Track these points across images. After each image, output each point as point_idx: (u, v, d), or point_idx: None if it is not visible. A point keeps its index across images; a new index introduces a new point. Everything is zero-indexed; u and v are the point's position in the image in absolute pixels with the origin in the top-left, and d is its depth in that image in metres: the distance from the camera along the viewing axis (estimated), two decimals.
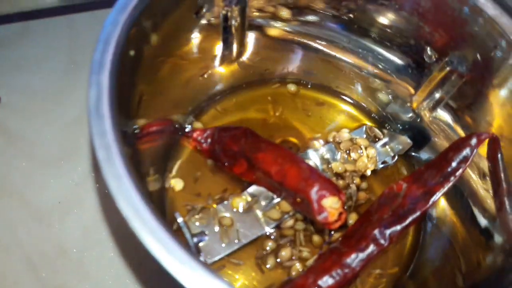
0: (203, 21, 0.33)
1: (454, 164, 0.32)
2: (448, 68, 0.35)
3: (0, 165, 0.46)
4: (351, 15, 0.37)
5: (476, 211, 0.34)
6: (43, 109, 0.49)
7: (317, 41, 0.41)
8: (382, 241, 0.31)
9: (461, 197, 0.36)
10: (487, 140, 0.33)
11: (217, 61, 0.39)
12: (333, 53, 0.41)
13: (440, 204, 0.38)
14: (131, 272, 0.42)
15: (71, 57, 0.53)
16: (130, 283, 0.42)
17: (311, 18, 0.39)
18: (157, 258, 0.18)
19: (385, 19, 0.36)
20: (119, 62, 0.23)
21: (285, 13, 0.37)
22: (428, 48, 0.35)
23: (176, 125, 0.38)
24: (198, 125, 0.40)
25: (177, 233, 0.35)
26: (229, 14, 0.34)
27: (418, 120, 0.40)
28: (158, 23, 0.28)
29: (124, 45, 0.24)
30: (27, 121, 0.48)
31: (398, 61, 0.38)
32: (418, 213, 0.32)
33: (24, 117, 0.49)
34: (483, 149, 0.33)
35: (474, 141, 0.32)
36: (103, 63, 0.22)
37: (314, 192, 0.30)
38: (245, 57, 0.41)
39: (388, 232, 0.31)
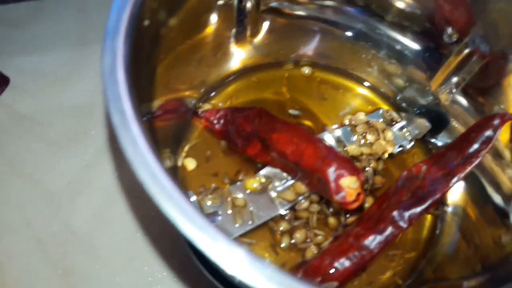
0: (219, 1, 0.32)
1: (476, 145, 0.31)
2: (469, 49, 0.34)
3: (9, 146, 0.46)
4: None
5: (490, 191, 0.34)
6: (53, 90, 0.49)
7: (333, 23, 0.40)
8: (401, 223, 0.30)
9: (474, 177, 0.35)
10: (510, 121, 0.31)
11: (231, 41, 0.38)
12: (349, 35, 0.39)
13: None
14: (142, 254, 0.41)
15: (81, 39, 0.52)
16: (139, 265, 0.41)
17: (328, 2, 0.38)
18: (174, 223, 0.18)
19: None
20: (133, 29, 0.22)
21: None
22: (448, 28, 0.34)
23: (188, 105, 0.37)
24: (209, 106, 0.39)
25: None
26: None
27: (436, 104, 0.39)
28: None
29: (139, 13, 0.23)
30: (37, 102, 0.48)
31: (415, 43, 0.37)
32: (438, 195, 0.31)
33: (33, 98, 0.48)
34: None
35: (497, 121, 0.31)
36: (117, 29, 0.22)
37: (331, 172, 0.30)
38: (259, 38, 0.40)
39: (407, 214, 0.30)
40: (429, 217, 0.37)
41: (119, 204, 0.43)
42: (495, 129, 0.31)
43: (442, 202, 0.37)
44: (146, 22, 0.24)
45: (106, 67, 0.20)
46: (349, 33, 0.40)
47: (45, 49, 0.51)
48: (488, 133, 0.31)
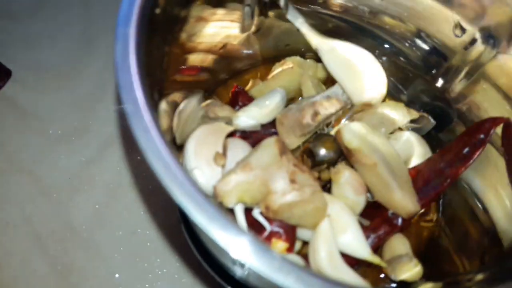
0: None
1: (468, 148, 0.32)
2: (478, 43, 0.34)
3: (9, 141, 0.45)
4: None
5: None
6: (55, 85, 0.48)
7: (342, 18, 0.39)
8: (395, 222, 0.31)
9: None
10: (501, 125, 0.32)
11: (237, 34, 0.38)
12: (356, 28, 0.39)
13: None
14: (142, 250, 0.41)
15: (83, 34, 0.52)
16: (139, 261, 0.41)
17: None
18: (187, 211, 0.17)
19: None
20: (145, 17, 0.22)
21: None
22: (457, 22, 0.34)
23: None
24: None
25: None
26: None
27: (441, 101, 0.39)
28: None
29: (151, 0, 0.23)
30: (38, 97, 0.48)
31: (423, 38, 0.37)
32: (432, 197, 0.31)
33: (35, 92, 0.48)
34: None
35: (488, 125, 0.32)
36: (129, 16, 0.21)
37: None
38: (265, 31, 0.39)
39: None
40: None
41: (119, 200, 0.43)
42: (487, 132, 0.31)
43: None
44: (157, 11, 0.24)
45: (118, 55, 0.20)
46: (357, 27, 0.40)
47: (47, 42, 0.50)
48: (481, 136, 0.32)
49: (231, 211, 0.30)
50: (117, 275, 0.40)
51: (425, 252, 0.34)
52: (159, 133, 0.19)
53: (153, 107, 0.20)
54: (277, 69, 0.39)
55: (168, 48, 0.28)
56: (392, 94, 0.41)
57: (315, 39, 0.35)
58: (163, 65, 0.27)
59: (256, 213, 0.29)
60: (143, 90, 0.19)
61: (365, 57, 0.35)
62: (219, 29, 0.34)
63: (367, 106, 0.34)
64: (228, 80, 0.40)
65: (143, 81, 0.20)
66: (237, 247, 0.18)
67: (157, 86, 0.25)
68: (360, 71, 0.34)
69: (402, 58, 0.39)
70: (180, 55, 0.31)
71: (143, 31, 0.22)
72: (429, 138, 0.39)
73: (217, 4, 0.33)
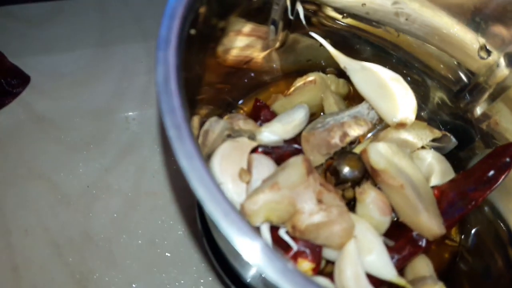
0: (255, 7, 0.32)
1: (493, 171, 0.32)
2: (503, 67, 0.34)
3: (27, 148, 0.45)
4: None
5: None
6: (72, 91, 0.48)
7: (365, 37, 0.39)
8: (420, 243, 0.31)
9: None
10: None
11: (261, 49, 0.38)
12: (380, 49, 0.39)
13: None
14: (160, 260, 0.41)
15: (100, 40, 0.52)
16: (157, 271, 0.41)
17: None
18: (232, 241, 0.17)
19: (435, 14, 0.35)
20: (183, 39, 0.22)
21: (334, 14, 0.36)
22: (483, 44, 0.34)
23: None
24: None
25: None
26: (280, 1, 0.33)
27: (463, 120, 0.39)
28: (215, 3, 0.27)
29: (189, 22, 0.23)
30: (56, 103, 0.48)
31: (447, 56, 0.37)
32: (455, 219, 0.31)
33: (52, 99, 0.48)
34: None
35: None
36: (169, 39, 0.21)
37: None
38: (288, 46, 0.39)
39: None
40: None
41: (137, 209, 0.43)
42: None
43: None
44: (193, 32, 0.24)
45: (160, 79, 0.20)
46: (380, 43, 0.40)
47: (64, 49, 0.51)
48: (506, 159, 0.32)
49: (256, 229, 0.30)
50: (134, 285, 0.40)
51: (446, 275, 0.34)
52: (201, 158, 0.19)
53: (193, 131, 0.20)
54: (299, 83, 0.39)
55: (201, 66, 0.28)
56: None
57: (343, 58, 0.35)
58: (199, 84, 0.27)
59: (282, 233, 0.29)
60: (184, 114, 0.20)
61: (394, 77, 0.35)
62: (246, 45, 0.35)
63: (401, 126, 0.34)
64: (250, 94, 0.40)
65: (184, 104, 0.20)
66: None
67: (193, 106, 0.25)
68: (392, 92, 0.34)
69: (424, 77, 0.39)
70: (210, 72, 0.31)
71: (182, 53, 0.22)
72: (449, 156, 0.39)
73: (246, 20, 0.33)
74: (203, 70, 0.30)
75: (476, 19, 0.33)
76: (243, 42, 0.34)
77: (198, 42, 0.26)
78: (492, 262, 0.33)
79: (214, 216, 0.17)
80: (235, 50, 0.34)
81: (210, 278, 0.41)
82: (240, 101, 0.39)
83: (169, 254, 0.42)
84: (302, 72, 0.41)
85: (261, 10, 0.33)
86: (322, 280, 0.28)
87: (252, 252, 0.18)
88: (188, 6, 0.23)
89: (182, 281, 0.41)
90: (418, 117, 0.42)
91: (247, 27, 0.33)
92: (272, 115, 0.37)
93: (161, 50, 0.21)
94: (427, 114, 0.41)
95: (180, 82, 0.21)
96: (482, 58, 0.34)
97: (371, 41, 0.38)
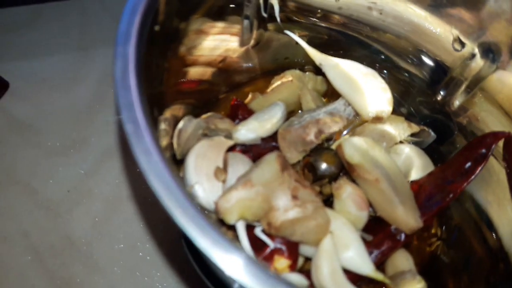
0: (225, 4, 0.32)
1: (470, 163, 0.32)
2: (476, 58, 0.34)
3: (6, 153, 0.45)
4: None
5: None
6: (52, 96, 0.48)
7: (341, 32, 0.39)
8: (398, 238, 0.30)
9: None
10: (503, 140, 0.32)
11: (236, 47, 0.37)
12: (356, 42, 0.39)
13: None
14: (142, 264, 0.41)
15: (80, 44, 0.51)
16: (139, 275, 0.40)
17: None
18: (189, 235, 0.17)
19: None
20: (144, 35, 0.22)
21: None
22: (457, 36, 0.34)
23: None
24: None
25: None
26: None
27: (441, 114, 0.39)
28: (181, 1, 0.27)
29: (150, 18, 0.23)
30: (35, 108, 0.47)
31: (423, 51, 0.37)
32: (433, 212, 0.31)
33: (32, 104, 0.47)
34: None
35: (490, 140, 0.31)
36: (129, 34, 0.21)
37: None
38: (264, 44, 0.39)
39: None
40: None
41: (119, 213, 0.43)
42: (489, 147, 0.31)
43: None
44: (156, 28, 0.24)
45: (118, 74, 0.20)
46: (356, 39, 0.40)
47: (44, 54, 0.50)
48: (482, 151, 0.31)
49: (232, 228, 0.29)
50: None
51: (428, 268, 0.33)
52: (160, 154, 0.18)
53: (153, 126, 0.19)
54: (276, 82, 0.39)
55: (168, 63, 0.27)
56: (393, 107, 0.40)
57: (318, 55, 0.35)
58: (163, 80, 0.26)
59: (258, 231, 0.28)
60: (143, 109, 0.19)
61: (369, 72, 0.35)
62: (219, 43, 0.34)
63: (377, 120, 0.34)
64: (227, 93, 0.39)
65: (143, 100, 0.20)
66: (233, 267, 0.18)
67: (157, 103, 0.25)
68: (367, 87, 0.34)
69: (402, 72, 0.39)
70: (180, 69, 0.31)
71: (142, 48, 0.22)
72: (430, 150, 0.39)
73: (217, 17, 0.33)
74: (173, 68, 0.29)
75: (448, 11, 0.33)
76: (215, 40, 0.34)
77: (165, 39, 0.26)
78: (472, 253, 0.32)
79: (169, 210, 0.17)
80: (207, 49, 0.33)
81: (192, 281, 0.40)
82: (218, 101, 0.39)
83: (150, 258, 0.41)
84: (280, 70, 0.41)
85: (233, 7, 0.33)
86: (297, 277, 0.28)
87: (205, 247, 0.18)
88: (150, 2, 0.23)
89: (164, 284, 0.40)
90: (398, 112, 0.42)
91: (219, 25, 0.33)
92: (250, 114, 0.37)
93: (120, 45, 0.21)
94: (407, 109, 0.41)
95: (140, 77, 0.20)
96: (456, 50, 0.34)
97: (347, 37, 0.38)
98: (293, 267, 0.28)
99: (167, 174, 0.18)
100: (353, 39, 0.38)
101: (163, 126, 0.27)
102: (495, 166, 0.33)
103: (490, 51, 0.32)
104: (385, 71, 0.39)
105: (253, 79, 0.41)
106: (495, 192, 0.34)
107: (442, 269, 0.34)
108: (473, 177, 0.32)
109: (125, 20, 0.21)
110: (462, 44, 0.34)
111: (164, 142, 0.26)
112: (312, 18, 0.37)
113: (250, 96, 0.39)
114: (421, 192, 0.32)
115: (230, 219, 0.28)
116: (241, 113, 0.37)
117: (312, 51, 0.36)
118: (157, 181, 0.18)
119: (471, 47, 0.33)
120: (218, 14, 0.32)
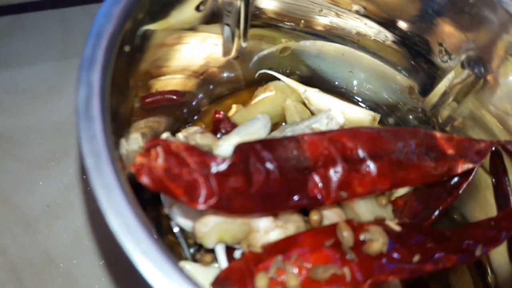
0: (204, 15, 0.31)
1: (457, 178, 0.31)
2: (463, 69, 0.33)
3: None
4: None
5: None
6: (32, 107, 0.47)
7: (325, 38, 0.38)
8: None
9: None
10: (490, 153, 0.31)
11: (217, 59, 0.36)
12: (342, 49, 0.38)
13: None
14: (124, 281, 0.40)
15: (62, 53, 0.50)
16: None
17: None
18: (147, 279, 0.16)
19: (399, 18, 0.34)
20: (112, 58, 0.21)
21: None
22: (442, 49, 0.34)
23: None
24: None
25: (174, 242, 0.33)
26: (231, 8, 0.32)
27: (429, 124, 0.38)
28: (155, 16, 0.26)
29: (118, 39, 0.22)
30: (15, 119, 0.46)
31: (410, 62, 0.36)
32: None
33: (12, 115, 0.46)
34: None
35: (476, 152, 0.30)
36: (94, 59, 0.20)
37: None
38: (247, 55, 0.38)
39: None
40: None
41: (100, 228, 0.41)
42: (475, 162, 0.30)
43: None
44: (127, 48, 0.23)
45: (80, 103, 0.19)
46: (342, 46, 0.39)
47: (24, 63, 0.49)
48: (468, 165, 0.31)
49: (211, 250, 0.28)
50: None
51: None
52: (122, 191, 0.17)
53: (118, 158, 0.18)
54: (260, 94, 0.38)
55: (142, 80, 0.26)
56: (380, 118, 0.40)
57: (301, 87, 0.37)
58: (137, 96, 0.25)
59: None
60: (106, 142, 0.18)
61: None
62: (199, 54, 0.33)
63: None
64: (209, 106, 0.38)
65: (107, 130, 0.19)
66: None
67: (128, 121, 0.24)
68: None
69: (390, 83, 0.38)
70: (156, 84, 0.29)
71: (110, 72, 0.21)
72: None
73: (195, 29, 0.32)
74: (148, 85, 0.28)
75: (434, 22, 0.32)
76: (194, 52, 0.32)
77: (137, 57, 0.25)
78: (462, 273, 0.32)
79: (129, 253, 0.16)
80: (186, 60, 0.32)
81: None
82: (200, 113, 0.38)
83: (133, 274, 0.40)
84: (265, 80, 0.40)
85: (213, 17, 0.32)
86: None
87: None
88: (118, 24, 0.22)
89: None
90: (386, 123, 0.41)
91: (199, 36, 0.32)
92: (233, 127, 0.36)
93: (84, 70, 0.20)
94: (394, 120, 0.40)
95: (104, 105, 0.19)
96: (443, 61, 0.33)
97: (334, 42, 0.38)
98: None
99: (128, 211, 0.17)
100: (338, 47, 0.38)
101: (136, 146, 0.26)
102: (483, 182, 0.33)
103: (476, 63, 0.32)
104: (371, 86, 0.38)
105: (237, 90, 0.40)
106: (482, 207, 0.34)
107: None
108: (459, 192, 0.31)
109: (90, 44, 0.20)
110: (449, 56, 0.33)
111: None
112: (298, 27, 0.36)
113: (233, 108, 0.38)
114: (406, 209, 0.32)
115: (209, 243, 0.27)
116: (223, 126, 0.37)
117: (294, 84, 0.37)
118: (115, 219, 0.17)
119: (457, 59, 0.33)
120: (197, 25, 0.31)
